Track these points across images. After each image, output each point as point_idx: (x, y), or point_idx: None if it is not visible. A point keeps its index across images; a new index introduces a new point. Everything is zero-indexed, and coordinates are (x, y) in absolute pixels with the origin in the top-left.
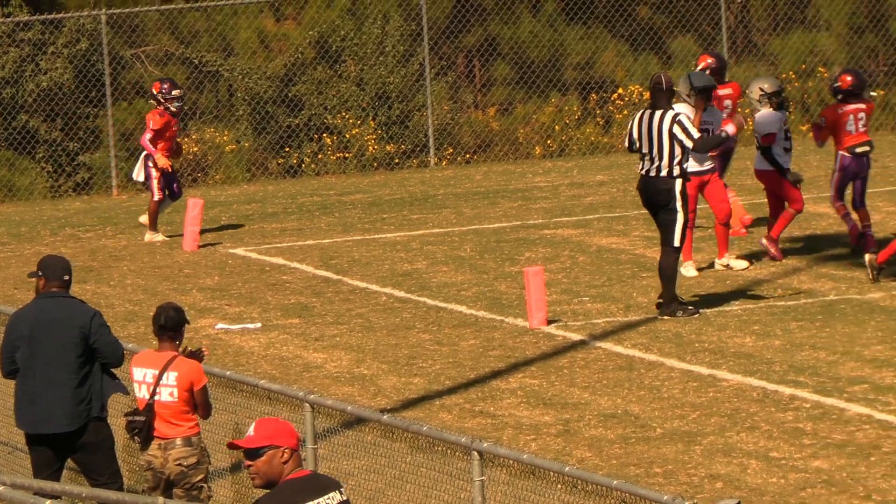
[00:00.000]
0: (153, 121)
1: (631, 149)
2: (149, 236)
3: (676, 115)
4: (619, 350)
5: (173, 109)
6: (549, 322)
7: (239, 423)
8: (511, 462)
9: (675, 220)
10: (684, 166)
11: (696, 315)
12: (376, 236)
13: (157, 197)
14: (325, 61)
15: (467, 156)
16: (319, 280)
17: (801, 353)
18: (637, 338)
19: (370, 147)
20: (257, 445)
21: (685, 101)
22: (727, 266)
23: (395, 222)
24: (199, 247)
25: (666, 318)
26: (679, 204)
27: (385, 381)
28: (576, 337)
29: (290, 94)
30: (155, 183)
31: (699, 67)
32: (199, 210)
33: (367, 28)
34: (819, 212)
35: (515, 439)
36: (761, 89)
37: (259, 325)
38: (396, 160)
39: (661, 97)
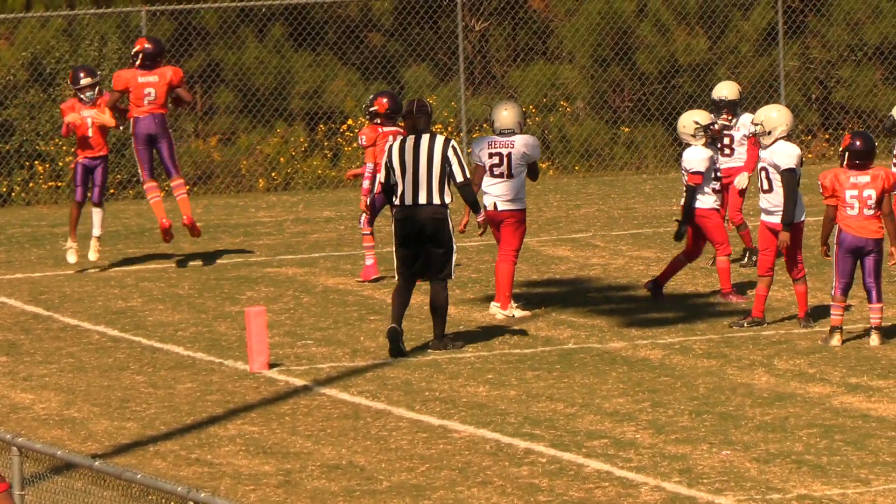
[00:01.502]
0: (63, 111)
1: (388, 182)
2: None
3: (449, 139)
4: (344, 397)
5: (85, 99)
6: (271, 366)
7: None
8: None
9: (451, 252)
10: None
11: (461, 346)
12: (89, 271)
13: (77, 197)
14: (38, 84)
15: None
16: (29, 316)
17: (537, 404)
18: (364, 384)
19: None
20: None
21: (522, 131)
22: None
23: (110, 256)
24: None
25: (435, 352)
26: (453, 233)
27: (96, 425)
28: (299, 382)
29: (0, 119)
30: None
31: (135, 49)
32: None
33: (84, 50)
34: (558, 255)
35: (234, 489)
36: (696, 122)
37: None
38: (112, 191)
39: (425, 121)
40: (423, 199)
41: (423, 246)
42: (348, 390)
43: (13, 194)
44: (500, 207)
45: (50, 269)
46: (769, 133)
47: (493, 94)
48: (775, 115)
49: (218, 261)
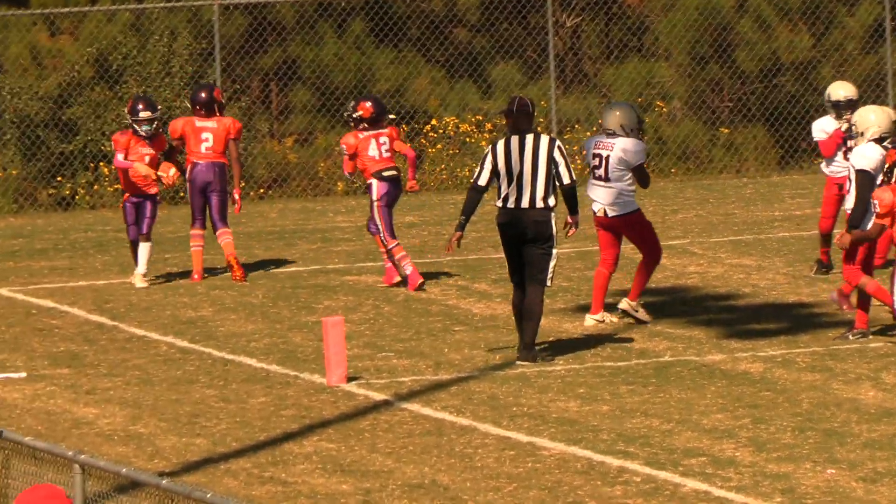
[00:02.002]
0: (116, 141)
1: (485, 188)
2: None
3: (554, 140)
4: (427, 412)
5: (142, 133)
6: (350, 379)
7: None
8: None
9: (550, 256)
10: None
11: (552, 360)
12: (157, 278)
13: (131, 235)
14: (104, 81)
15: (261, 191)
16: (93, 326)
17: (631, 420)
18: (448, 399)
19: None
20: None
21: (628, 134)
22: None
23: (179, 263)
24: None
25: (523, 363)
26: (555, 238)
27: (164, 441)
28: (379, 396)
29: (64, 118)
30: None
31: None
32: None
33: (152, 46)
34: None
35: None
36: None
37: (24, 374)
38: (182, 194)
39: (528, 120)
40: (526, 203)
41: (524, 249)
42: (431, 405)
43: (77, 197)
44: (609, 214)
45: (115, 276)
46: (861, 134)
47: (586, 93)
48: (872, 117)
49: (293, 268)
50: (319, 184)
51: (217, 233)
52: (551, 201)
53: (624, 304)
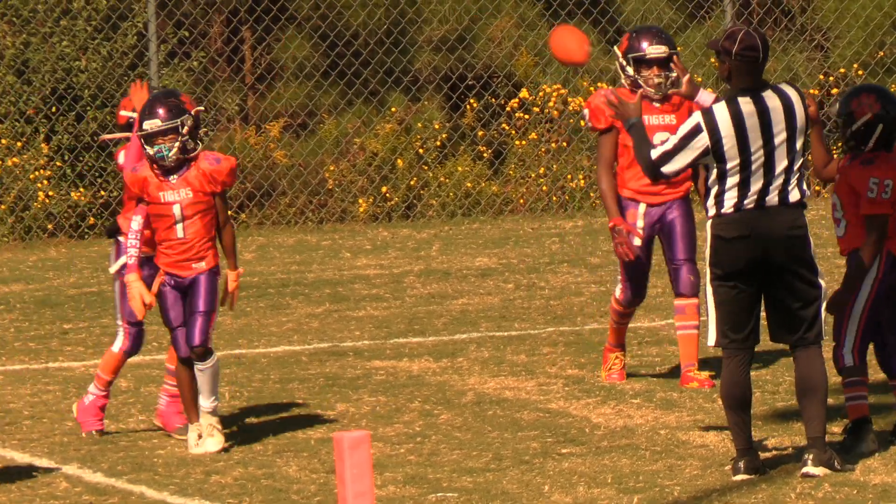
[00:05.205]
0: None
1: (664, 176)
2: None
3: (797, 89)
4: None
5: (157, 164)
6: None
7: None
8: None
9: (819, 293)
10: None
11: (852, 470)
12: (50, 365)
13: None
14: None
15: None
16: None
17: None
18: None
19: (46, 193)
20: None
21: None
22: None
23: (87, 339)
24: None
25: (813, 472)
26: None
27: None
28: None
29: None
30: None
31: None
32: None
33: None
34: None
35: None
36: None
37: None
38: (91, 220)
39: (755, 70)
40: (773, 198)
41: (770, 285)
42: None
43: None
44: None
45: None
46: None
47: (786, 41)
48: None
49: (283, 346)
50: (327, 201)
51: None
52: (807, 191)
53: None
